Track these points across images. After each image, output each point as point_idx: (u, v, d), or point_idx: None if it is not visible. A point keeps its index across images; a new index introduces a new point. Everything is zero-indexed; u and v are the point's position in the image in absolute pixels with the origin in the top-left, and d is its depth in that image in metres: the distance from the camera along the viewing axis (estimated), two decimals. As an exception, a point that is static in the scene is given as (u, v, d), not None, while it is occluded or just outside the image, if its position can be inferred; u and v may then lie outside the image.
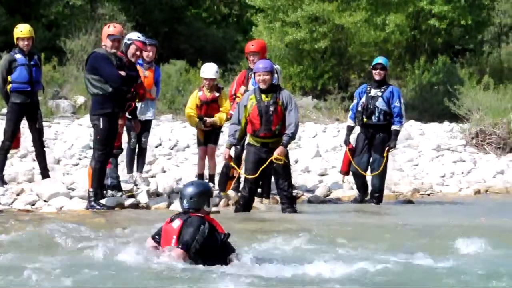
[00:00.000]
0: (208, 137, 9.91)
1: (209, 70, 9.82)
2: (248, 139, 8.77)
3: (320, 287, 4.87)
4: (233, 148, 8.89)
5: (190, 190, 5.43)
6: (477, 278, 5.03)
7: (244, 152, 9.07)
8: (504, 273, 5.07)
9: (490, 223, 8.09)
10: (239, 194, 9.26)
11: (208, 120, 9.76)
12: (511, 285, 4.84)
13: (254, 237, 6.57)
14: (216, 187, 9.55)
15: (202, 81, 9.99)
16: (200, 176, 9.88)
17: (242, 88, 9.59)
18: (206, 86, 9.80)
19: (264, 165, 8.51)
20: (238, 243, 5.69)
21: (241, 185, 9.16)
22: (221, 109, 9.81)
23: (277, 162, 8.49)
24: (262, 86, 8.58)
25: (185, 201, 5.41)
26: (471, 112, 16.20)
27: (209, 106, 9.81)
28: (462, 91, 17.60)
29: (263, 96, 8.57)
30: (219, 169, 9.67)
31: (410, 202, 10.26)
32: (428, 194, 11.16)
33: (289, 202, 8.66)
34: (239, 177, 9.57)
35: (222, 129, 10.13)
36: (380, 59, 10.12)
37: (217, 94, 9.86)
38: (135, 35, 8.95)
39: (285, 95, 8.69)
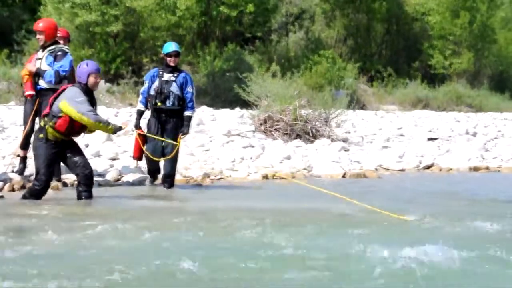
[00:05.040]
0: None
1: None
2: (50, 135, 8.26)
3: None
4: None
5: None
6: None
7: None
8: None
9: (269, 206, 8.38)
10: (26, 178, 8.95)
11: None
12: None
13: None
14: None
15: None
16: None
17: (31, 66, 9.29)
18: None
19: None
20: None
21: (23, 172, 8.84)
22: None
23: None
24: (96, 88, 8.43)
25: None
26: (260, 98, 16.67)
27: None
28: (251, 78, 18.06)
29: None
30: None
31: (199, 186, 10.42)
32: (219, 179, 11.36)
33: (88, 184, 8.41)
34: (25, 158, 9.35)
35: None
36: (174, 46, 10.08)
37: None
38: None
39: None
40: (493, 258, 5.15)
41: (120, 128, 8.49)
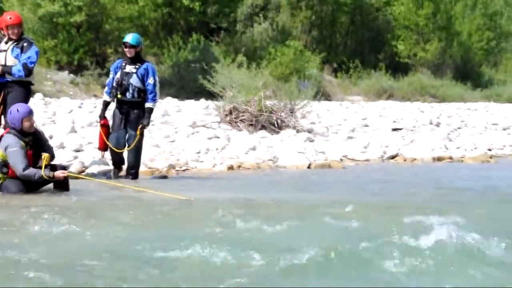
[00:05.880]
0: None
1: None
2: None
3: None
4: None
5: None
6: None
7: None
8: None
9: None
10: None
11: None
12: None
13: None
14: None
15: None
16: None
17: None
18: None
19: None
20: None
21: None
22: None
23: None
24: (33, 129, 8.28)
25: None
26: (225, 89, 16.64)
27: None
28: (217, 69, 18.02)
29: None
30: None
31: (164, 177, 10.37)
32: (184, 170, 11.32)
33: (65, 180, 8.34)
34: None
35: None
36: (128, 37, 10.03)
37: None
38: None
39: None
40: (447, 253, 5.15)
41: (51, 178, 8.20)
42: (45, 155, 8.16)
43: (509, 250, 5.00)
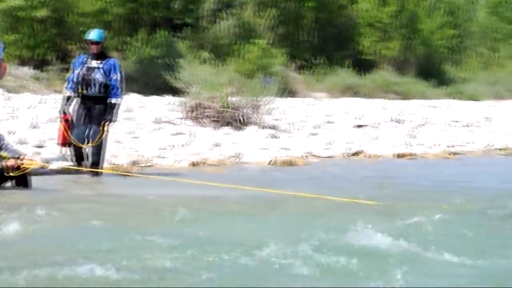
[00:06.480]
0: None
1: None
2: None
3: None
4: None
5: None
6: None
7: None
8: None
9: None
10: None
11: None
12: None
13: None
14: None
15: None
16: None
17: None
18: None
19: None
20: None
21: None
22: None
23: None
24: None
25: None
26: (189, 85, 16.59)
27: None
28: (181, 65, 17.94)
29: None
30: None
31: (128, 174, 10.31)
32: (148, 166, 11.26)
33: (24, 175, 8.22)
34: None
35: None
36: (92, 34, 9.95)
37: None
38: None
39: None
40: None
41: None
42: (26, 164, 8.00)
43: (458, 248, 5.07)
